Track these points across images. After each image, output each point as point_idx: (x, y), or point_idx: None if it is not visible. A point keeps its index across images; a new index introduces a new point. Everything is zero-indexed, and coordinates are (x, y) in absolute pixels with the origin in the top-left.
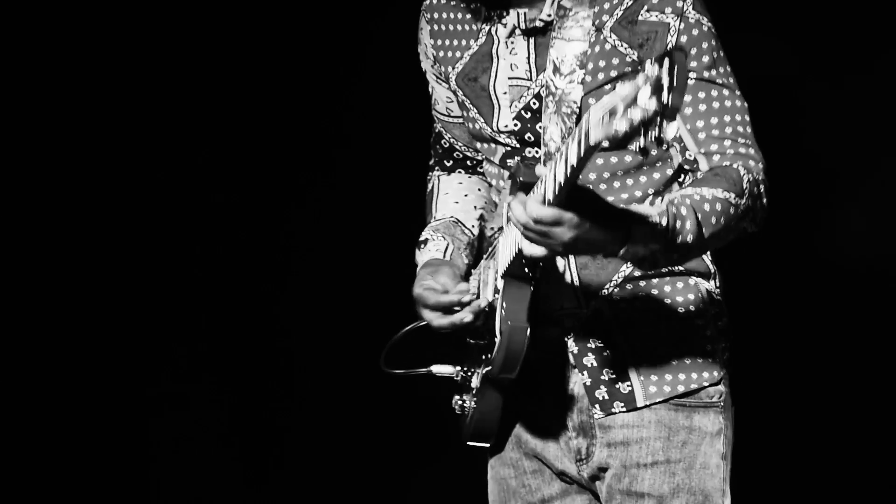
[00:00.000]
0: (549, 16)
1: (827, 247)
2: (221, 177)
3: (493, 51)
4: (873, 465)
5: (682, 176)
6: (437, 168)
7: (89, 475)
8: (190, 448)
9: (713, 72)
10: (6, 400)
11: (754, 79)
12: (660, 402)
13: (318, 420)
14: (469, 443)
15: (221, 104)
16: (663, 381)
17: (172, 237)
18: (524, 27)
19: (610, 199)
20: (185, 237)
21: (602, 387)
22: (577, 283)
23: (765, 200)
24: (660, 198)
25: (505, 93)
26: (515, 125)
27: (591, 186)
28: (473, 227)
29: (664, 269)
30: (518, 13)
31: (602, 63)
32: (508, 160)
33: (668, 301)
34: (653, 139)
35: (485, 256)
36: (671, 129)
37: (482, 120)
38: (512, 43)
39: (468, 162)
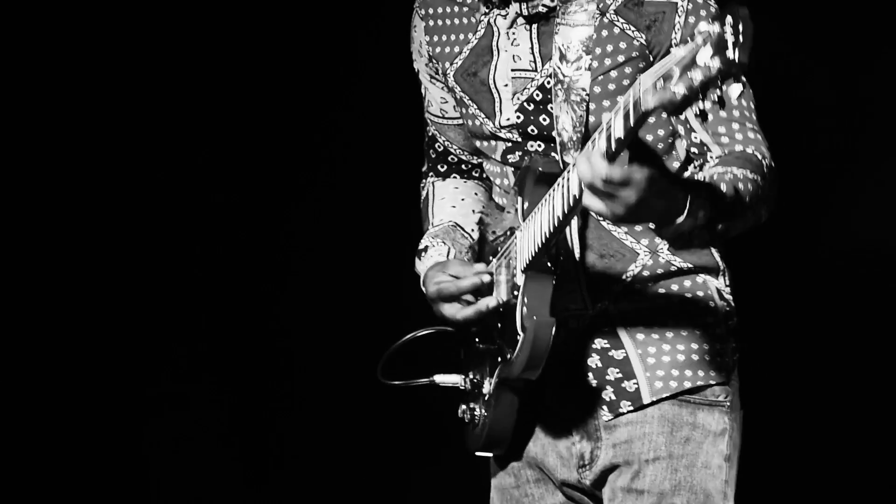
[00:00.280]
0: (553, 1)
1: (836, 242)
2: (221, 177)
3: (494, 43)
4: (888, 472)
5: (689, 166)
6: (430, 174)
7: (89, 475)
8: (190, 448)
9: None
10: (5, 400)
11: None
12: (665, 398)
13: (317, 420)
14: (479, 453)
15: (221, 104)
16: (669, 376)
17: (172, 237)
18: (527, 13)
19: None
20: (185, 237)
21: (608, 387)
22: (584, 283)
23: (776, 189)
24: (700, 173)
25: (506, 85)
26: (518, 117)
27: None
28: (473, 231)
29: (673, 268)
30: (520, 2)
31: (609, 47)
32: (510, 156)
33: (675, 299)
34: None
35: (495, 257)
36: (735, 90)
37: (482, 116)
38: (514, 33)
39: (463, 166)
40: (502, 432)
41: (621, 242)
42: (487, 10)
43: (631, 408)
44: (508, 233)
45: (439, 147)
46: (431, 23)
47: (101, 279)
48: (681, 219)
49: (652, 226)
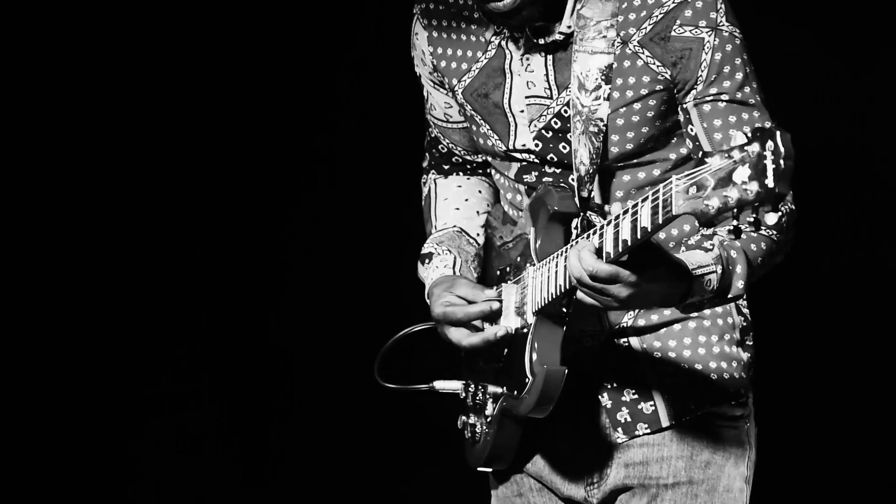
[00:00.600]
0: (569, 27)
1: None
2: (221, 177)
3: (506, 66)
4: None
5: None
6: (432, 171)
7: (88, 474)
8: (189, 449)
9: (746, 90)
10: (4, 400)
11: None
12: (684, 421)
13: (316, 421)
14: (479, 469)
15: (220, 105)
16: (689, 398)
17: (172, 237)
18: (543, 42)
19: (618, 193)
20: (185, 237)
21: (624, 408)
22: (603, 310)
23: (795, 231)
24: (708, 240)
25: (522, 111)
26: (536, 145)
27: (618, 203)
28: (478, 235)
29: None
30: (536, 28)
31: (631, 80)
32: (525, 176)
33: (693, 315)
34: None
35: (502, 274)
36: (772, 218)
37: (495, 137)
38: (528, 59)
39: (467, 165)
40: (504, 452)
41: None
42: (497, 31)
43: (648, 430)
44: (518, 244)
45: (442, 148)
46: (435, 34)
47: (101, 279)
48: (685, 302)
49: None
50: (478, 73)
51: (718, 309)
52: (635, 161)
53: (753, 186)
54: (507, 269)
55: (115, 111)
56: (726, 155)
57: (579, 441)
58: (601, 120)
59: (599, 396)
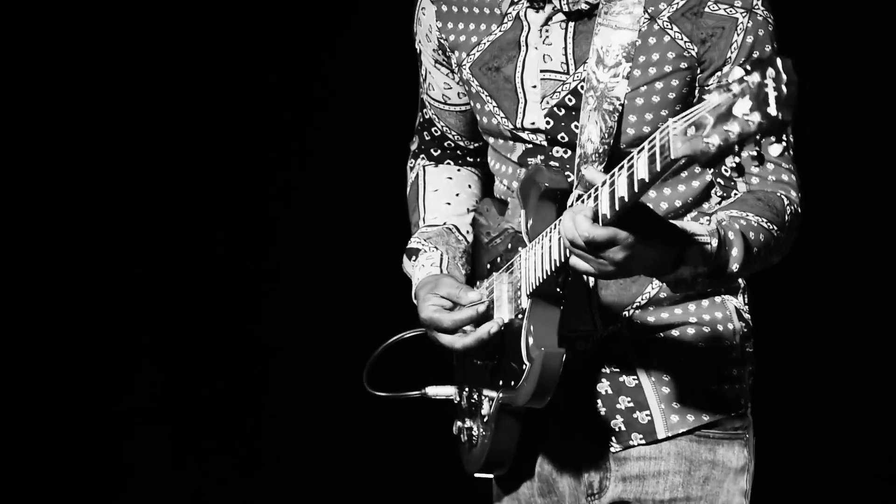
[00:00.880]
0: None
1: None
2: (209, 175)
3: (523, 38)
4: None
5: (714, 189)
6: (421, 156)
7: (70, 479)
8: (177, 457)
9: None
10: None
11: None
12: (682, 434)
13: (309, 428)
14: (478, 475)
15: (205, 104)
16: (686, 409)
17: (162, 237)
18: (568, 9)
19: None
20: (176, 237)
21: (618, 416)
22: (595, 304)
23: (796, 235)
24: (705, 216)
25: (535, 86)
26: (547, 123)
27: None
28: (468, 232)
29: None
30: None
31: (655, 56)
32: (530, 158)
33: (693, 321)
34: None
35: (492, 267)
36: (775, 149)
37: (501, 115)
38: (546, 31)
39: (459, 151)
40: (503, 455)
41: None
42: (515, 1)
43: (643, 441)
44: (505, 238)
45: (436, 132)
46: (445, 7)
47: (88, 280)
48: (677, 270)
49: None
50: (489, 45)
51: (718, 314)
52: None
53: (756, 117)
54: (498, 259)
55: (98, 112)
56: (725, 89)
57: (577, 451)
58: (617, 98)
59: (594, 403)
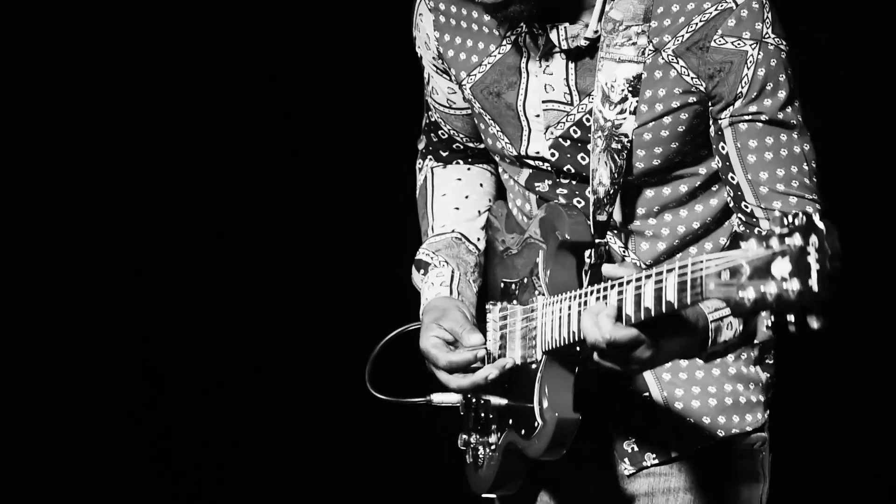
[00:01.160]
0: (596, 32)
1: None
2: (208, 178)
3: (522, 64)
4: None
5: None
6: (430, 157)
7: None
8: (174, 463)
9: (788, 110)
10: None
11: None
12: (695, 451)
13: (304, 431)
14: (484, 496)
15: (196, 101)
16: (700, 424)
17: (159, 239)
18: (566, 47)
19: (640, 210)
20: (171, 238)
21: (631, 436)
22: None
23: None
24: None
25: (538, 115)
26: (552, 155)
27: (640, 221)
28: (479, 239)
29: None
30: (558, 29)
31: (662, 91)
32: (537, 184)
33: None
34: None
35: (513, 295)
36: (815, 323)
37: (505, 140)
38: (546, 61)
39: (469, 152)
40: (511, 480)
41: None
42: (513, 29)
43: (656, 461)
44: (522, 249)
45: (443, 134)
46: (442, 19)
47: (77, 283)
48: (706, 351)
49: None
50: (490, 68)
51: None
52: (661, 177)
53: (795, 285)
54: (514, 286)
55: (88, 107)
56: (764, 244)
57: (586, 471)
58: (625, 136)
59: (604, 422)
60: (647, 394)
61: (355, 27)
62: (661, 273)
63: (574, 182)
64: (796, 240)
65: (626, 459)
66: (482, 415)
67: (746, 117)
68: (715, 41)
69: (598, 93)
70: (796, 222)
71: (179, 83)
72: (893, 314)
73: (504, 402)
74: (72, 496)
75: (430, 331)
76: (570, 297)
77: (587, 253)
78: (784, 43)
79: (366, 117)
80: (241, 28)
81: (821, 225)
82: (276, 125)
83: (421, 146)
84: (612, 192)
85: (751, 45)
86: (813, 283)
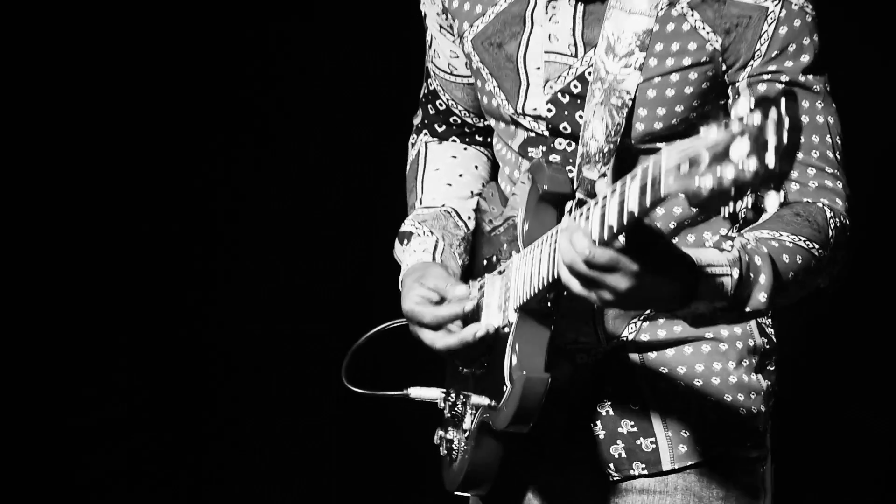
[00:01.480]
0: None
1: None
2: (205, 178)
3: (528, 13)
4: None
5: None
6: (425, 131)
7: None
8: (144, 471)
9: (810, 76)
10: None
11: None
12: (691, 466)
13: (278, 429)
14: (456, 493)
15: (191, 103)
16: (697, 437)
17: (123, 242)
18: None
19: (658, 212)
20: (145, 242)
21: (619, 441)
22: (598, 313)
23: (846, 251)
24: (728, 241)
25: (538, 68)
26: (549, 110)
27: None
28: (469, 218)
29: None
30: None
31: (674, 46)
32: (531, 149)
33: (708, 336)
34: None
35: (491, 267)
36: (773, 200)
37: (502, 96)
38: (554, 7)
39: (466, 129)
40: (482, 474)
41: None
42: None
43: (645, 472)
44: (502, 227)
45: (441, 105)
46: None
47: (71, 285)
48: (689, 306)
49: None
50: (493, 17)
51: (737, 329)
52: (661, 144)
53: (752, 164)
54: (495, 258)
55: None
56: (724, 125)
57: (574, 477)
58: (627, 92)
59: (592, 424)
60: (639, 399)
61: (355, 27)
62: (624, 183)
63: (570, 147)
64: (756, 117)
65: (611, 465)
66: (458, 407)
67: (765, 76)
68: None
69: (603, 42)
70: (760, 101)
71: (179, 83)
72: None
73: (485, 401)
74: (72, 496)
75: (412, 290)
76: (542, 242)
77: (568, 206)
78: (811, 7)
79: (366, 117)
80: (241, 28)
81: (781, 98)
82: (276, 125)
83: (417, 121)
84: (605, 150)
85: (773, 2)
86: (769, 158)
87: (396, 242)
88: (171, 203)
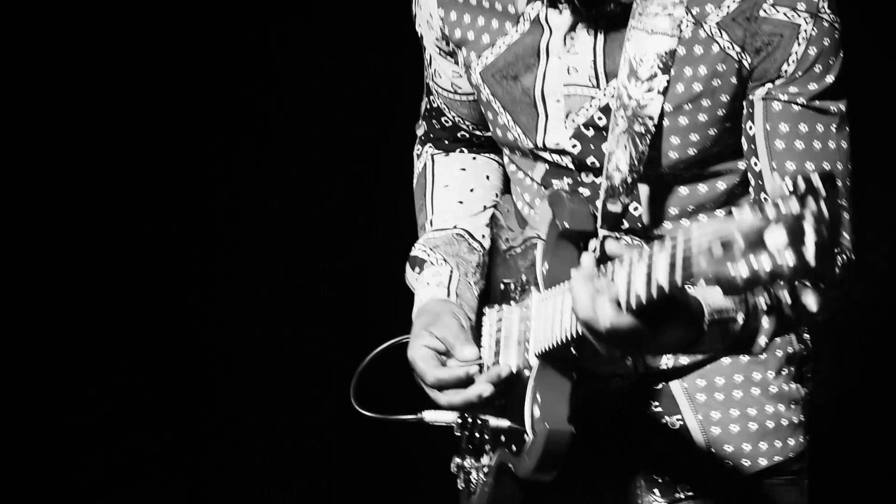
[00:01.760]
0: None
1: None
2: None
3: (543, 44)
4: None
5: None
6: (429, 144)
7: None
8: (145, 481)
9: (831, 99)
10: None
11: None
12: (734, 482)
13: (283, 451)
14: None
15: (191, 103)
16: (740, 453)
17: (126, 244)
18: (595, 12)
19: (673, 210)
20: (152, 242)
21: (660, 465)
22: None
23: (848, 286)
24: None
25: (559, 101)
26: (574, 146)
27: (672, 223)
28: (484, 237)
29: None
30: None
31: (702, 70)
32: (555, 181)
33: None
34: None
35: (511, 296)
36: (811, 302)
37: (518, 130)
38: (572, 38)
39: (474, 140)
40: None
41: None
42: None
43: (690, 493)
44: (520, 248)
45: (446, 122)
46: None
47: (71, 285)
48: (693, 348)
49: None
50: (505, 50)
51: (777, 339)
52: (696, 171)
53: (789, 258)
54: (513, 285)
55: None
56: (758, 210)
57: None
58: (650, 118)
59: (629, 448)
60: (678, 416)
61: (355, 27)
62: (652, 252)
63: (598, 180)
64: (793, 206)
65: (655, 491)
66: (477, 436)
67: (783, 97)
68: (764, 9)
69: (625, 66)
70: (798, 186)
71: (179, 83)
72: None
73: (504, 423)
74: (72, 496)
75: (419, 339)
76: (566, 291)
77: (592, 245)
78: (838, 21)
79: (366, 117)
80: (241, 28)
81: (819, 185)
82: (276, 125)
83: (420, 132)
84: (629, 181)
85: (805, 19)
86: (808, 254)
87: (408, 268)
88: (171, 203)
